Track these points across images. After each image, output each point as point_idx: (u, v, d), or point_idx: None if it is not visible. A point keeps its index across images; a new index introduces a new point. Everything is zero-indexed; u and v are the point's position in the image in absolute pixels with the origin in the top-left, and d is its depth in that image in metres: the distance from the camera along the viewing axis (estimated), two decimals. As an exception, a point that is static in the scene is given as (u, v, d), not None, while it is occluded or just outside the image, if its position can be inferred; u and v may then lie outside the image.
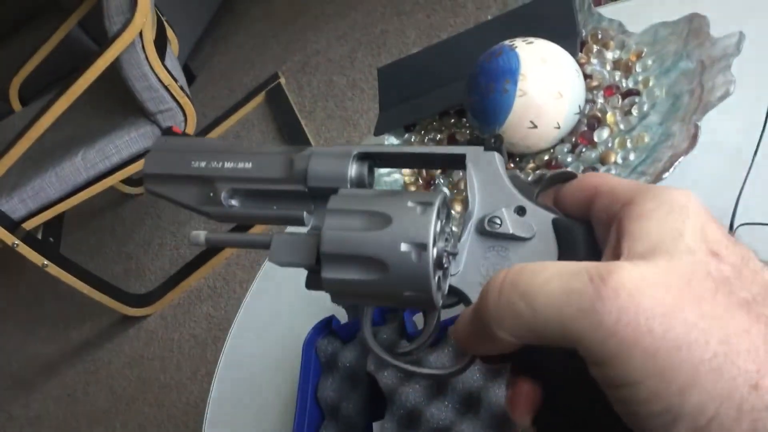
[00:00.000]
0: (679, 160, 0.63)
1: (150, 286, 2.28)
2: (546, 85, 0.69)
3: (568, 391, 0.32)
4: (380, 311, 0.75)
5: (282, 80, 2.72)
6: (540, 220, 0.36)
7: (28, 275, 2.55)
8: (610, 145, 0.70)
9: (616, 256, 0.30)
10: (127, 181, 2.56)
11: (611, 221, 0.32)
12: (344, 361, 0.72)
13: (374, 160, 0.40)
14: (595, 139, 0.71)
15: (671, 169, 0.63)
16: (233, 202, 0.40)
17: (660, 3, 0.83)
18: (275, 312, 0.88)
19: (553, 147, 0.74)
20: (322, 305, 0.76)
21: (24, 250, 1.89)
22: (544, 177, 0.38)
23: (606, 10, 0.81)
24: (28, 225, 1.93)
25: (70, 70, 2.44)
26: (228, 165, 0.40)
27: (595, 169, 0.69)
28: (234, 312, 1.93)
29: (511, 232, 0.35)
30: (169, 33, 2.15)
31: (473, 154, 0.38)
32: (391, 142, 0.88)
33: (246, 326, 0.90)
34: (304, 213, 0.39)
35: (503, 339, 0.31)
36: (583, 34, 0.80)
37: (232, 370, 0.87)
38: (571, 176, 0.37)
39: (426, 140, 0.87)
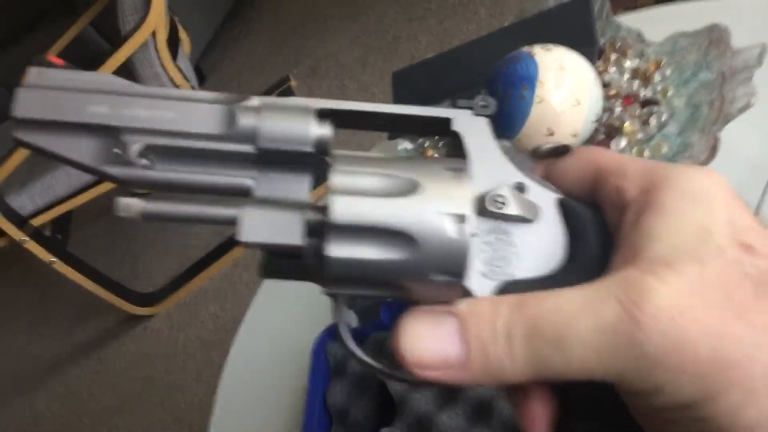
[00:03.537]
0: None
1: (156, 285, 2.28)
2: (564, 92, 0.69)
3: (589, 397, 0.30)
4: (391, 315, 0.74)
5: (293, 83, 2.71)
6: (543, 199, 0.32)
7: (34, 272, 2.55)
8: (628, 154, 0.69)
9: (634, 253, 0.27)
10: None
11: (625, 206, 0.29)
12: (354, 367, 0.72)
13: (337, 118, 0.32)
14: (613, 147, 0.70)
15: (690, 180, 0.63)
16: (149, 162, 0.30)
17: (679, 13, 0.82)
18: (284, 314, 0.87)
19: (570, 155, 0.73)
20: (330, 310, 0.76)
21: (32, 246, 1.89)
22: (539, 150, 0.34)
23: (624, 19, 0.81)
24: (37, 221, 1.94)
25: (81, 68, 2.45)
26: (141, 113, 0.30)
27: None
28: (241, 314, 1.92)
29: (517, 213, 0.31)
30: (181, 33, 2.15)
31: (461, 119, 0.33)
32: (405, 146, 0.88)
33: (254, 327, 0.90)
34: (250, 181, 0.31)
35: (518, 383, 0.28)
36: (601, 42, 0.80)
37: (238, 372, 0.86)
38: (567, 150, 0.34)
39: (440, 145, 0.87)
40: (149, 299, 2.20)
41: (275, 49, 2.99)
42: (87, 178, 1.94)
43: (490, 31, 0.94)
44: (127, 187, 0.31)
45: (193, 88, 1.94)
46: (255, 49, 3.10)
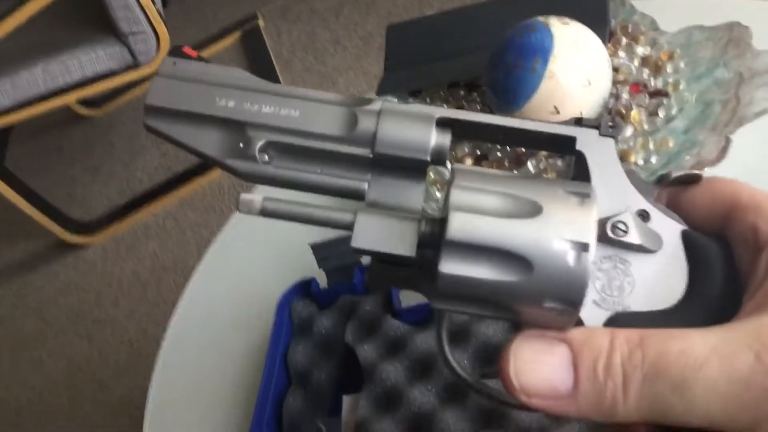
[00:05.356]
0: (704, 170, 0.61)
1: (93, 214, 2.18)
2: (576, 70, 0.66)
3: None
4: (362, 275, 0.71)
5: (261, 22, 2.62)
6: (666, 230, 0.31)
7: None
8: (632, 144, 0.67)
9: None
10: (83, 101, 2.43)
11: (760, 247, 0.28)
12: (320, 328, 0.68)
13: (457, 128, 0.32)
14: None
15: (695, 179, 0.61)
16: (268, 158, 0.31)
17: (696, 5, 0.80)
18: (250, 260, 0.83)
19: (570, 137, 0.70)
20: (299, 266, 0.72)
21: (-35, 156, 1.78)
22: (667, 177, 0.33)
23: (639, 3, 0.78)
24: (-27, 131, 1.82)
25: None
26: (267, 109, 0.31)
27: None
28: (183, 255, 1.85)
29: (639, 242, 0.30)
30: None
31: (586, 138, 0.32)
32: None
33: (215, 269, 0.85)
34: (366, 184, 0.31)
35: (627, 422, 0.27)
36: (612, 24, 0.77)
37: (193, 316, 0.81)
38: (697, 179, 0.32)
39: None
40: (86, 228, 2.10)
41: (245, -16, 2.86)
42: (32, 92, 1.82)
43: (473, 0, 0.90)
44: (244, 180, 0.32)
45: (158, 11, 1.83)
46: (223, -18, 2.96)
